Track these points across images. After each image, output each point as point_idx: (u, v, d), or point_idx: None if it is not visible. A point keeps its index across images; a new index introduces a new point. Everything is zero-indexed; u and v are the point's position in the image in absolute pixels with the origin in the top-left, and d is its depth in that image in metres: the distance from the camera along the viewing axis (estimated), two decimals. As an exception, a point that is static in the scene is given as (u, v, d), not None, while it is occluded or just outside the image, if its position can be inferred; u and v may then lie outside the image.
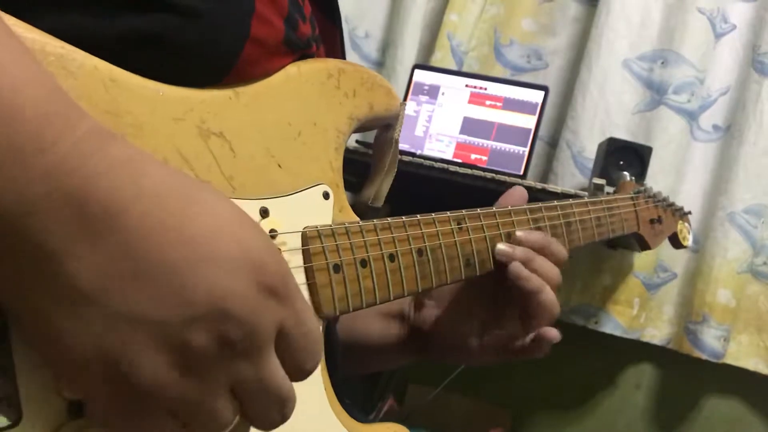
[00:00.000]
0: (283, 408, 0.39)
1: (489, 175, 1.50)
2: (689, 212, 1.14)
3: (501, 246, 0.68)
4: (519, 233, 0.70)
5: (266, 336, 0.37)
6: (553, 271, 0.69)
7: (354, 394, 0.56)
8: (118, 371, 0.34)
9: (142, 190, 0.34)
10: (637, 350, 1.83)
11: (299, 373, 0.40)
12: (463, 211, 0.66)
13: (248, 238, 0.37)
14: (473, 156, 1.72)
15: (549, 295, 0.68)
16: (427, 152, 1.73)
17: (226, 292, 0.35)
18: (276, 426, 0.40)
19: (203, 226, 0.36)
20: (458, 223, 0.65)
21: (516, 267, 0.67)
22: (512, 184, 1.48)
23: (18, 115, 0.32)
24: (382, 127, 0.66)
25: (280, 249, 0.50)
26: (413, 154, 1.66)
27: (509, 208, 0.71)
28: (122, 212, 0.33)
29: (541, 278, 0.68)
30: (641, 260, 1.76)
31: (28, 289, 0.33)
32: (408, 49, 1.88)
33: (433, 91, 1.77)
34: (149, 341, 0.34)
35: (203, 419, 0.36)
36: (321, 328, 0.52)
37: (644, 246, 1.01)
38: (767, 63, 1.70)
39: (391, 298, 0.58)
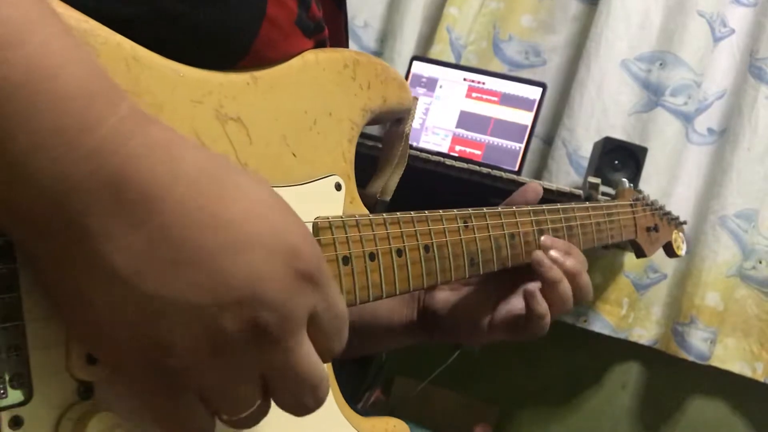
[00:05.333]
0: (315, 391, 0.39)
1: (484, 170, 1.49)
2: (685, 222, 1.14)
3: (543, 238, 0.73)
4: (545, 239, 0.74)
5: (299, 321, 0.37)
6: (577, 268, 0.75)
7: (342, 383, 0.56)
8: (151, 352, 0.34)
9: (179, 175, 0.34)
10: (624, 350, 1.85)
11: (328, 354, 0.40)
12: (470, 210, 0.66)
13: (283, 224, 0.37)
14: (469, 150, 1.71)
15: (566, 287, 0.72)
16: (422, 145, 1.73)
17: (263, 277, 0.35)
18: (311, 411, 0.39)
19: (238, 212, 0.35)
20: (464, 222, 0.65)
21: (539, 255, 0.71)
22: (506, 180, 1.48)
23: (62, 94, 0.32)
24: (393, 121, 0.65)
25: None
26: (409, 146, 1.66)
27: (513, 208, 0.71)
28: (160, 198, 0.33)
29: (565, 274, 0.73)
30: (631, 260, 1.77)
31: (68, 266, 0.33)
32: (407, 41, 1.87)
33: (430, 84, 1.77)
34: (183, 323, 0.33)
35: (229, 403, 0.36)
36: None
37: (640, 253, 1.01)
38: (764, 69, 1.70)
39: (397, 293, 0.58)
